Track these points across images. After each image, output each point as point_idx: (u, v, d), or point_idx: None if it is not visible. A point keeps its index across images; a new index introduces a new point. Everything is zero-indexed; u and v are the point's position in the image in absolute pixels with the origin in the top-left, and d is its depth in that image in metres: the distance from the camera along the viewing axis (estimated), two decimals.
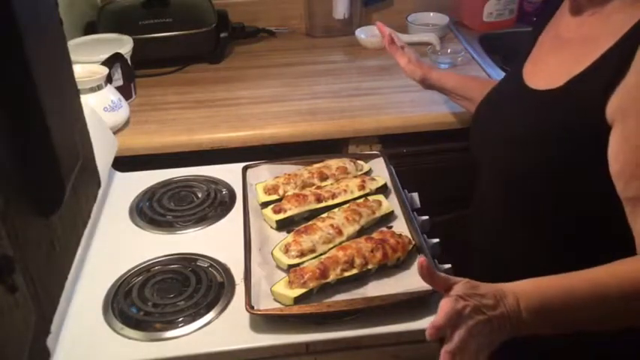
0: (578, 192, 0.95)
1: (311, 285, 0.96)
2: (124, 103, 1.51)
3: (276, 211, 1.13)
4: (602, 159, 0.89)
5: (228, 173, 1.33)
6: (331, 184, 1.21)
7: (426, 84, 1.43)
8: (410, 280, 1.00)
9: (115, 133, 1.41)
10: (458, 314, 0.79)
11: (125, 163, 1.39)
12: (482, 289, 0.83)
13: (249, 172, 1.28)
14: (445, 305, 0.80)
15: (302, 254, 1.03)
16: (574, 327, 0.86)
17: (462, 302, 0.80)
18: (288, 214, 1.13)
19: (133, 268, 1.08)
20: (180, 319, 0.97)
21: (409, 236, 1.07)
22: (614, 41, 0.89)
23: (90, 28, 1.84)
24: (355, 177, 1.23)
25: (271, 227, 1.14)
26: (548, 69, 1.02)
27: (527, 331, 0.83)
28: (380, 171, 1.27)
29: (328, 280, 0.97)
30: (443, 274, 0.84)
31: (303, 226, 1.09)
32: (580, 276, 0.84)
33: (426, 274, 0.83)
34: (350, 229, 1.08)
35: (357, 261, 0.99)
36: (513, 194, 1.04)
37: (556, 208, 0.99)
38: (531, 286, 0.84)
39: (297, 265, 1.01)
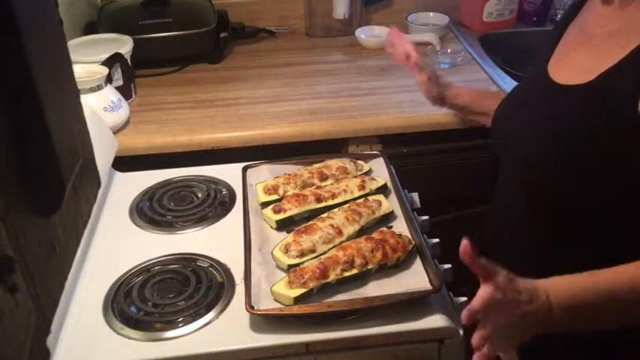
0: (605, 189, 0.94)
1: (311, 285, 0.96)
2: (124, 103, 1.51)
3: (276, 211, 1.13)
4: (633, 154, 0.88)
5: (228, 173, 1.33)
6: (331, 184, 1.21)
7: (440, 103, 1.42)
8: (410, 280, 1.00)
9: (115, 133, 1.41)
10: (495, 304, 0.80)
11: (125, 163, 1.39)
12: (519, 284, 0.83)
13: (249, 172, 1.28)
14: (483, 292, 0.81)
15: (302, 254, 1.03)
16: (604, 324, 0.87)
17: (501, 294, 0.81)
18: (288, 214, 1.13)
19: (133, 268, 1.08)
20: (180, 319, 0.97)
21: (409, 236, 1.07)
22: None
23: (90, 28, 1.84)
24: (355, 177, 1.23)
25: (271, 227, 1.13)
26: (576, 64, 1.01)
27: (556, 328, 0.84)
28: (380, 171, 1.27)
29: (328, 280, 0.97)
30: (484, 262, 0.83)
31: (303, 226, 1.09)
32: (607, 274, 0.85)
33: (466, 255, 0.82)
34: (350, 229, 1.08)
35: (357, 261, 0.99)
36: (538, 191, 1.03)
37: (581, 205, 0.98)
38: (562, 283, 0.85)
39: (297, 265, 1.01)
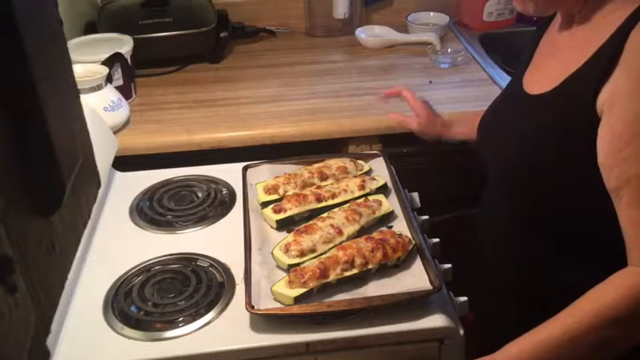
0: (577, 190, 0.96)
1: (311, 285, 0.96)
2: (124, 102, 1.51)
3: (277, 211, 1.13)
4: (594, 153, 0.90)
5: (228, 173, 1.33)
6: (331, 183, 1.21)
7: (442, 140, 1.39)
8: (410, 280, 1.00)
9: (115, 133, 1.41)
10: None
11: (125, 163, 1.39)
12: None
13: (249, 171, 1.28)
14: None
15: (302, 254, 1.02)
16: None
17: None
18: (289, 213, 1.13)
19: (133, 268, 1.08)
20: (181, 319, 0.97)
21: (409, 236, 1.07)
22: (604, 40, 0.90)
23: (90, 28, 1.84)
24: (355, 177, 1.23)
25: (271, 227, 1.13)
26: (544, 75, 1.04)
27: None
28: (380, 171, 1.27)
29: (328, 279, 0.97)
30: None
31: (303, 225, 1.09)
32: (547, 327, 0.86)
33: None
34: (350, 229, 1.08)
35: (358, 261, 0.99)
36: (519, 198, 1.05)
37: (556, 209, 1.00)
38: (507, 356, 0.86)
39: (298, 264, 1.01)
